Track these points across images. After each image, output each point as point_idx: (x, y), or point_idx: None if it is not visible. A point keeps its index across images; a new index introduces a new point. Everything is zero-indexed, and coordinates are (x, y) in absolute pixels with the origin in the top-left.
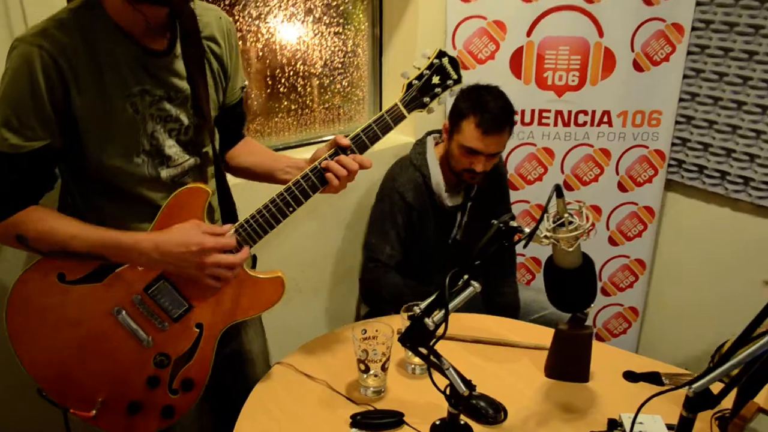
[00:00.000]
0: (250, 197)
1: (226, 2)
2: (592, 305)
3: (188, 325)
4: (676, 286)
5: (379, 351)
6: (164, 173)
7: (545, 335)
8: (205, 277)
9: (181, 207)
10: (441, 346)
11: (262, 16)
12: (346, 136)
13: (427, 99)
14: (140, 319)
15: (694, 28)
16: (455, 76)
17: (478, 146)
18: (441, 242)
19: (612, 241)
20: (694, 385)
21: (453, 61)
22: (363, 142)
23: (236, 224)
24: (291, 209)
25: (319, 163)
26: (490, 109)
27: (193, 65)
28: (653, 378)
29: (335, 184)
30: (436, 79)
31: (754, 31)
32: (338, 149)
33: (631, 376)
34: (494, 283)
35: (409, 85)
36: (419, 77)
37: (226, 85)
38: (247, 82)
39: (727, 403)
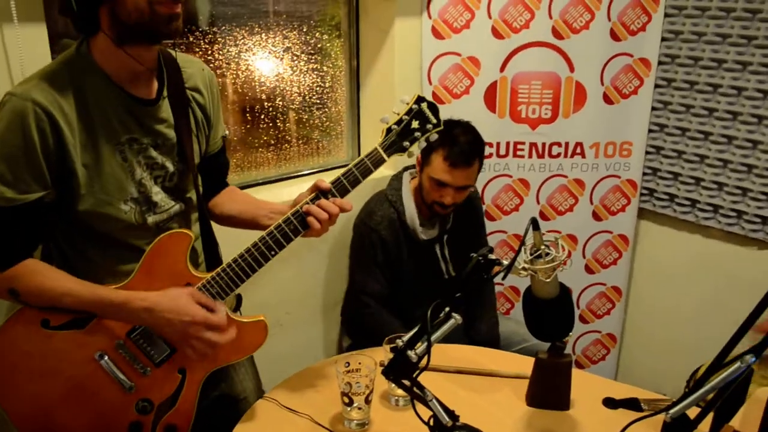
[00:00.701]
0: (234, 240)
1: (206, 40)
2: (571, 334)
3: (171, 370)
4: (651, 312)
5: (362, 383)
6: (150, 219)
7: (526, 364)
8: (186, 347)
9: (164, 252)
10: (423, 377)
11: (241, 53)
12: (329, 182)
13: (406, 143)
14: (123, 364)
15: (660, 63)
16: (434, 121)
17: (446, 179)
18: (421, 276)
19: (588, 270)
20: (671, 411)
21: (432, 106)
22: (344, 185)
23: (219, 268)
24: (273, 253)
25: (300, 207)
26: (459, 143)
27: (178, 114)
28: (632, 404)
29: (316, 228)
30: (415, 124)
31: (717, 64)
32: (319, 193)
33: (610, 403)
34: (474, 316)
35: (389, 130)
36: (398, 122)
37: (209, 134)
38: (227, 132)
39: (705, 427)
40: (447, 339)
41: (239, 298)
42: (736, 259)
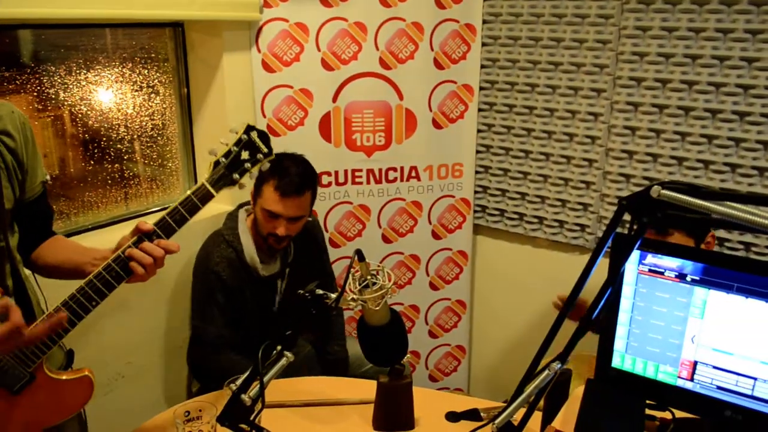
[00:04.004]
0: (60, 289)
1: (24, 78)
2: (408, 354)
3: None
4: (494, 320)
5: (204, 431)
6: None
7: (372, 389)
8: None
9: None
10: (272, 416)
11: (61, 92)
12: (153, 222)
13: (236, 175)
14: None
15: (481, 88)
16: (265, 150)
17: (277, 209)
18: (265, 313)
19: (433, 286)
20: (496, 421)
21: (262, 135)
22: (169, 225)
23: (32, 325)
24: (94, 303)
25: (122, 252)
26: (289, 174)
27: None
28: (472, 415)
29: (140, 273)
30: (245, 155)
31: (530, 88)
32: (142, 236)
33: (452, 417)
34: (325, 341)
35: (216, 163)
36: (227, 154)
37: (23, 179)
38: (48, 177)
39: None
40: (302, 365)
41: (71, 353)
42: (561, 264)
